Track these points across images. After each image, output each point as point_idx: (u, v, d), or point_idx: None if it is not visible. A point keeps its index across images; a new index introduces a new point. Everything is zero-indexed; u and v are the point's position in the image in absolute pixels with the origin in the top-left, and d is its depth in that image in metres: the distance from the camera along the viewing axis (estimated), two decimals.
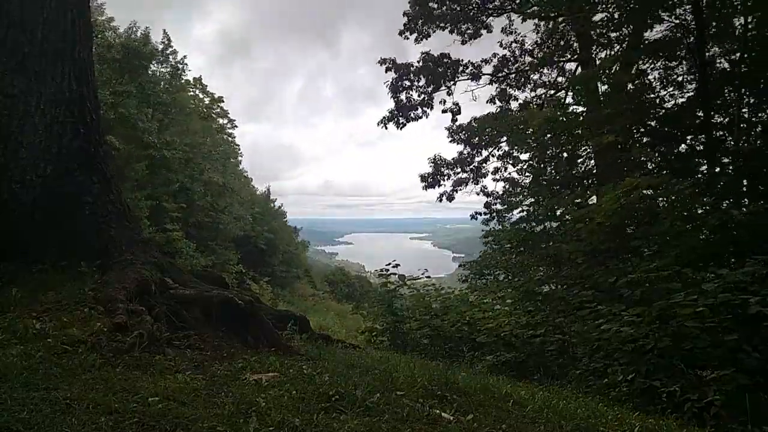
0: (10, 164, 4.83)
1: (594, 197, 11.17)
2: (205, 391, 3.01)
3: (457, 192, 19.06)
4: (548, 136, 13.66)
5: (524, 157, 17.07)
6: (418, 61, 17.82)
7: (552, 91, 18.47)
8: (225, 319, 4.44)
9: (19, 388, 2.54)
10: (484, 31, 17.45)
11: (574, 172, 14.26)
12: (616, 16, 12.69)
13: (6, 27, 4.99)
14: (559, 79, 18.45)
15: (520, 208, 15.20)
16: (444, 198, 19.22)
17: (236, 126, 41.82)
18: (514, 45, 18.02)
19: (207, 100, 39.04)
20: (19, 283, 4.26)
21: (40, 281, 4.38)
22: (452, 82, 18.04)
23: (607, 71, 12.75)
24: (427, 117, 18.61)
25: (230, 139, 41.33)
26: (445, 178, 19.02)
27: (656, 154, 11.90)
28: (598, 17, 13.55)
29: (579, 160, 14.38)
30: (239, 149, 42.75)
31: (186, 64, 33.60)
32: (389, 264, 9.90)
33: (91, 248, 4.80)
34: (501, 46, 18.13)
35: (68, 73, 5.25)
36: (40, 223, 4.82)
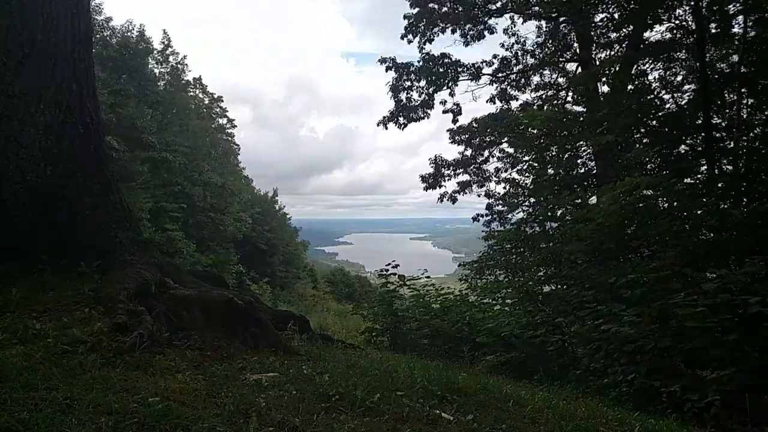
0: (10, 165, 4.83)
1: (594, 197, 11.17)
2: (205, 391, 3.01)
3: (459, 194, 19.09)
4: (549, 136, 13.68)
5: (525, 157, 17.13)
6: (419, 61, 17.84)
7: (552, 92, 18.50)
8: (225, 319, 4.44)
9: (19, 388, 2.53)
10: (486, 33, 17.44)
11: (574, 172, 14.27)
12: (616, 16, 12.69)
13: (6, 27, 4.99)
14: (560, 79, 18.49)
15: (520, 209, 15.23)
16: (445, 198, 19.24)
17: (235, 126, 41.82)
18: (515, 46, 18.06)
19: (207, 100, 39.07)
20: (19, 283, 4.26)
21: (40, 282, 4.37)
22: (453, 83, 18.05)
23: (607, 72, 12.76)
24: (428, 117, 18.62)
25: (229, 139, 41.33)
26: (446, 179, 19.04)
27: (656, 154, 11.90)
28: (598, 17, 13.57)
29: (579, 161, 14.39)
30: (239, 149, 42.79)
31: (186, 64, 33.69)
32: (389, 264, 9.89)
33: (91, 249, 4.80)
34: (503, 47, 18.17)
35: (68, 73, 5.25)
36: (40, 223, 4.82)
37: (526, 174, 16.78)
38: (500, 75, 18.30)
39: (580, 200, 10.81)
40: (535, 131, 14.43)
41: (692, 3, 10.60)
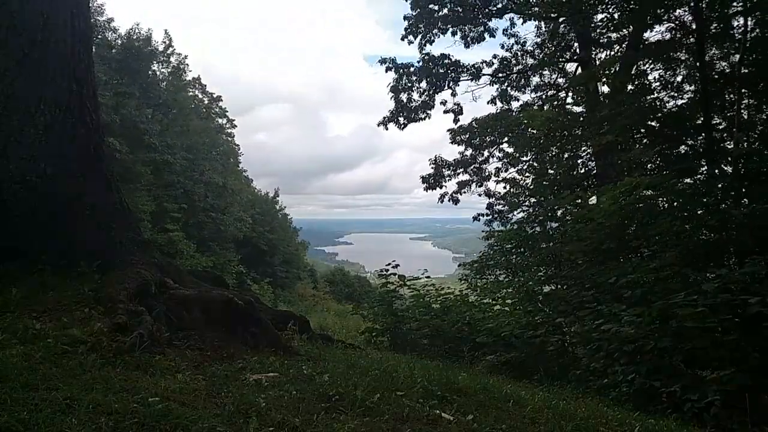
0: (11, 164, 4.83)
1: (594, 197, 11.17)
2: (205, 391, 3.01)
3: (459, 194, 19.11)
4: (549, 136, 13.69)
5: (525, 158, 17.15)
6: (419, 61, 17.84)
7: (552, 92, 18.51)
8: (225, 319, 4.44)
9: (19, 388, 2.53)
10: (486, 35, 17.46)
11: (574, 172, 14.28)
12: (616, 16, 12.70)
13: (6, 27, 4.99)
14: (560, 80, 18.50)
15: (520, 209, 15.24)
16: (446, 199, 19.26)
17: (235, 125, 41.80)
18: (515, 47, 18.07)
19: (206, 100, 39.06)
20: (19, 283, 4.26)
21: (40, 282, 4.37)
22: (454, 83, 18.06)
23: (607, 72, 12.76)
24: (429, 118, 18.64)
25: (229, 138, 41.32)
26: (446, 179, 19.06)
27: (656, 155, 11.90)
28: (598, 17, 13.57)
29: (579, 161, 14.39)
30: (239, 149, 42.77)
31: (187, 64, 33.69)
32: (389, 264, 9.89)
33: (91, 249, 4.80)
34: (502, 47, 18.19)
35: (68, 73, 5.24)
36: (40, 223, 4.82)
37: (527, 174, 16.80)
38: (500, 75, 18.32)
39: (580, 200, 10.80)
40: (535, 131, 14.44)
41: (692, 3, 10.60)
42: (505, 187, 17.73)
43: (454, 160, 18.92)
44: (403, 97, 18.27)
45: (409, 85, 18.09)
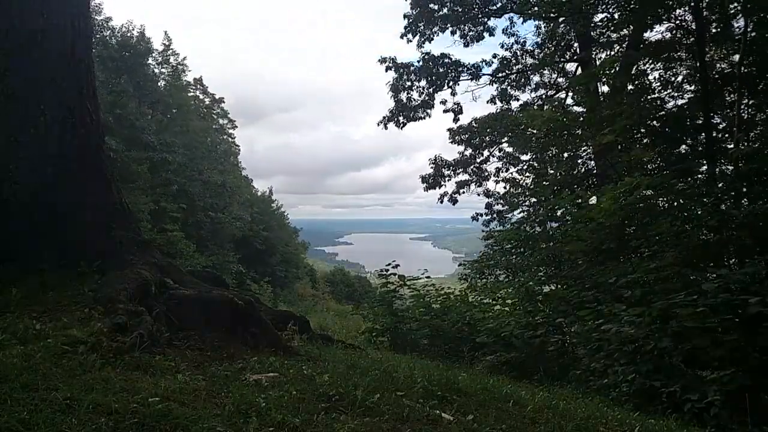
0: (10, 165, 4.83)
1: (594, 197, 11.17)
2: (205, 391, 3.01)
3: (458, 194, 19.11)
4: (549, 136, 13.69)
5: (525, 157, 17.16)
6: (419, 61, 17.85)
7: (552, 92, 18.52)
8: (225, 320, 4.44)
9: (19, 388, 2.54)
10: (486, 34, 17.47)
11: (574, 172, 14.27)
12: (616, 16, 12.70)
13: (6, 28, 4.99)
14: (560, 79, 18.51)
15: (520, 209, 15.25)
16: (445, 199, 19.26)
17: (236, 126, 41.79)
18: (515, 46, 18.08)
19: (207, 101, 39.07)
20: (19, 283, 4.26)
21: (40, 282, 4.38)
22: (454, 82, 18.06)
23: (607, 72, 12.76)
24: (428, 117, 18.65)
25: (230, 139, 41.32)
26: (446, 179, 19.06)
27: (656, 155, 11.89)
28: (598, 17, 13.58)
29: (579, 161, 14.39)
30: (239, 149, 42.76)
31: (186, 65, 33.70)
32: (389, 264, 9.89)
33: (91, 249, 4.80)
34: (502, 47, 18.20)
35: (68, 73, 5.25)
36: (40, 223, 4.82)
37: (526, 174, 16.81)
38: (500, 75, 18.33)
39: (580, 200, 10.80)
40: (535, 131, 14.44)
41: (692, 3, 10.60)
42: (504, 187, 17.76)
43: (454, 159, 18.94)
44: (403, 96, 18.29)
45: (409, 84, 18.10)
